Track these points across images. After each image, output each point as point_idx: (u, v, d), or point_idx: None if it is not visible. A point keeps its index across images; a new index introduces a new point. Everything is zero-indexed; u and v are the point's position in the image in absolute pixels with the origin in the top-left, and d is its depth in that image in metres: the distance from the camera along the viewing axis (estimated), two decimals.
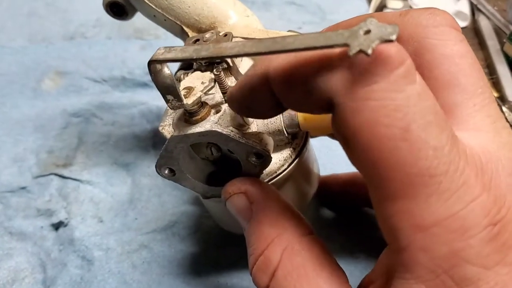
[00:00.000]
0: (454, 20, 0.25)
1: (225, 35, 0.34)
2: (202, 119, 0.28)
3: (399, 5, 0.72)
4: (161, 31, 0.64)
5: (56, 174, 0.51)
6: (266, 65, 0.22)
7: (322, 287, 0.24)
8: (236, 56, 0.22)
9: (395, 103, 0.19)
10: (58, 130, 0.55)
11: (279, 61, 0.22)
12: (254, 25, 0.38)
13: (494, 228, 0.19)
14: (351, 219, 0.46)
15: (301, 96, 0.22)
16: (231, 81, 0.33)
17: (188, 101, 0.27)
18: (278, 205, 0.27)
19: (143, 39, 0.65)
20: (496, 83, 0.62)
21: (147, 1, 0.38)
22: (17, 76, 0.61)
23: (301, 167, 0.35)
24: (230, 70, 0.34)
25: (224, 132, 0.27)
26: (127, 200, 0.50)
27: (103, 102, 0.57)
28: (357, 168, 0.21)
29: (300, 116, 0.32)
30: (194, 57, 0.24)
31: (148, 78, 0.59)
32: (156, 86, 0.26)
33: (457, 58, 0.24)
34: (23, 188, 0.50)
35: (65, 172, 0.51)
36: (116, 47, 0.64)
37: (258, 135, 0.29)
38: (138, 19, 0.61)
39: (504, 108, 0.58)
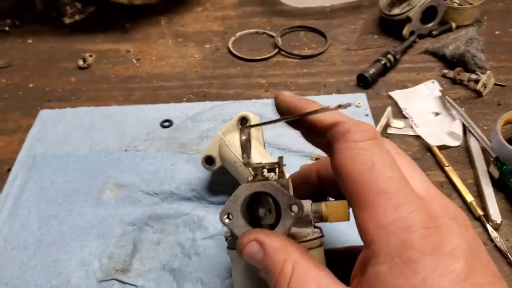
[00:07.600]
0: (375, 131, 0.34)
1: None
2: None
3: (401, 124, 0.80)
4: (202, 146, 0.76)
5: (117, 280, 0.61)
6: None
7: (320, 282, 0.31)
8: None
9: (368, 152, 0.32)
10: (117, 237, 0.65)
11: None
12: None
13: (427, 230, 0.29)
14: None
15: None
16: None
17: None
18: (281, 239, 0.35)
19: (186, 153, 0.76)
20: (482, 203, 0.68)
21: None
22: (81, 184, 0.72)
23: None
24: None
25: (275, 185, 0.38)
26: None
27: (154, 213, 0.67)
28: (342, 189, 0.33)
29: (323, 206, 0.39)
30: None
31: (191, 193, 0.70)
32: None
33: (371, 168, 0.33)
34: None
35: (124, 278, 0.61)
36: (165, 161, 0.75)
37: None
38: (183, 135, 0.73)
39: (488, 226, 0.64)
